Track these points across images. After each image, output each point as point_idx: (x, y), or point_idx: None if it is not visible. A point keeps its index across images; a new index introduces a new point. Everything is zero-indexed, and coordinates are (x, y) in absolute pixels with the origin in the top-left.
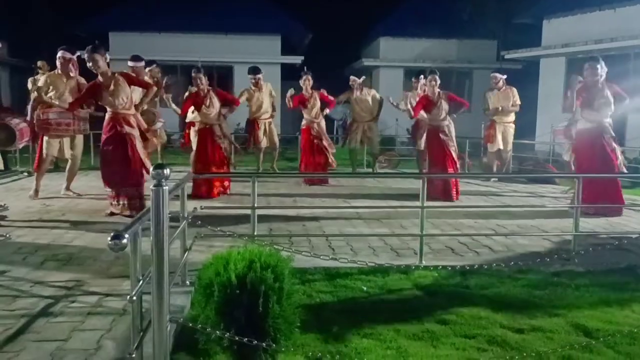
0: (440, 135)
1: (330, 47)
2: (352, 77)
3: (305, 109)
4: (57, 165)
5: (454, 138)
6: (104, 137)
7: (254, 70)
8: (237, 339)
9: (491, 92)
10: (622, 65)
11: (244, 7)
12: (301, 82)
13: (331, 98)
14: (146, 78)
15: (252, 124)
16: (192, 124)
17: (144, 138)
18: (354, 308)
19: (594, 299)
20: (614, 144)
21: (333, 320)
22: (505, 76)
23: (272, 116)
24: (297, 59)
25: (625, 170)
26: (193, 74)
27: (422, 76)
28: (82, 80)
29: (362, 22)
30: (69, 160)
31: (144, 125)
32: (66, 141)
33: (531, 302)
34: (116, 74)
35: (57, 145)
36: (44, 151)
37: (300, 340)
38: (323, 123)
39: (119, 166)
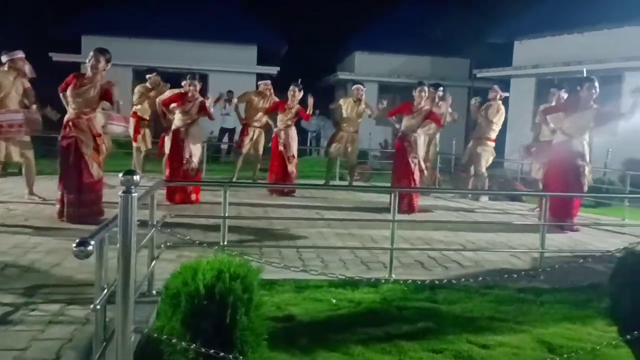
0: (405, 143)
1: (306, 59)
2: (357, 86)
3: (281, 113)
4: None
5: (418, 150)
6: (59, 139)
7: (267, 79)
8: (203, 350)
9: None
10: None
11: (221, 16)
12: (289, 92)
13: (308, 113)
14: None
15: (243, 128)
16: (166, 131)
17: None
18: (323, 321)
19: (558, 315)
20: (584, 162)
21: (301, 332)
22: (505, 94)
23: (263, 126)
24: (273, 70)
25: (585, 189)
26: (188, 80)
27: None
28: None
29: (338, 35)
30: (23, 164)
31: (97, 131)
32: (14, 144)
33: (497, 317)
34: (99, 84)
35: (2, 149)
36: None
37: (267, 353)
38: (293, 132)
39: (66, 170)
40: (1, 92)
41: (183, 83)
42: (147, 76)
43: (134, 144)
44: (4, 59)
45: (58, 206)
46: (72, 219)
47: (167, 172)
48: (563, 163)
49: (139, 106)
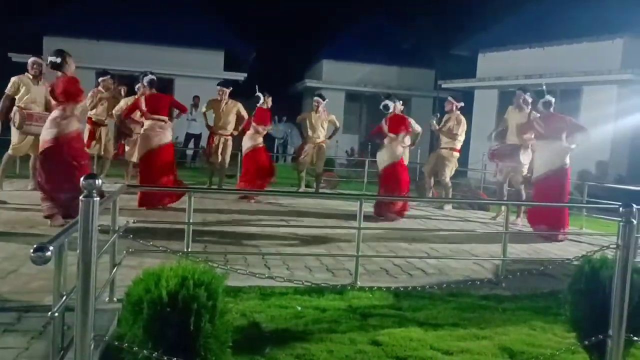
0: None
1: (274, 66)
2: (316, 98)
3: (266, 126)
4: None
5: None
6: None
7: (223, 84)
8: (166, 358)
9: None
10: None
11: (188, 20)
12: (261, 101)
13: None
14: (99, 88)
15: (209, 137)
16: (126, 135)
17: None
18: (288, 328)
19: (519, 322)
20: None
21: (266, 340)
22: (460, 104)
23: (231, 134)
24: (240, 76)
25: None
26: (147, 79)
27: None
28: None
29: (306, 43)
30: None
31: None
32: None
33: (460, 324)
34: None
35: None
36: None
37: None
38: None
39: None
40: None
41: (137, 87)
42: (100, 79)
43: (88, 150)
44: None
45: (48, 205)
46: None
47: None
48: (547, 176)
49: (93, 111)
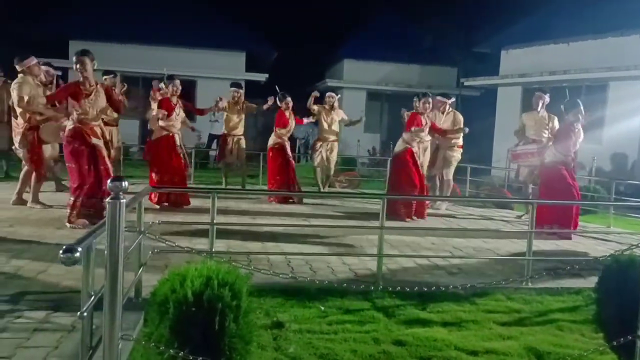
0: (410, 155)
1: (295, 66)
2: (329, 94)
3: (284, 128)
4: (8, 174)
5: (420, 158)
6: (70, 147)
7: (237, 85)
8: (191, 358)
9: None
10: (573, 97)
11: (209, 22)
12: (282, 104)
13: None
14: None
15: (223, 138)
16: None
17: (108, 150)
18: (312, 328)
19: (546, 322)
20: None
21: (290, 340)
22: (451, 100)
23: (241, 134)
24: (262, 77)
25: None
26: (166, 81)
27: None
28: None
29: (327, 43)
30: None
31: (107, 137)
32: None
33: (485, 324)
34: (98, 85)
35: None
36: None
37: (256, 359)
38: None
39: (93, 179)
40: (30, 99)
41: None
42: (104, 77)
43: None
44: (18, 67)
45: (73, 212)
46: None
47: (154, 177)
48: (555, 174)
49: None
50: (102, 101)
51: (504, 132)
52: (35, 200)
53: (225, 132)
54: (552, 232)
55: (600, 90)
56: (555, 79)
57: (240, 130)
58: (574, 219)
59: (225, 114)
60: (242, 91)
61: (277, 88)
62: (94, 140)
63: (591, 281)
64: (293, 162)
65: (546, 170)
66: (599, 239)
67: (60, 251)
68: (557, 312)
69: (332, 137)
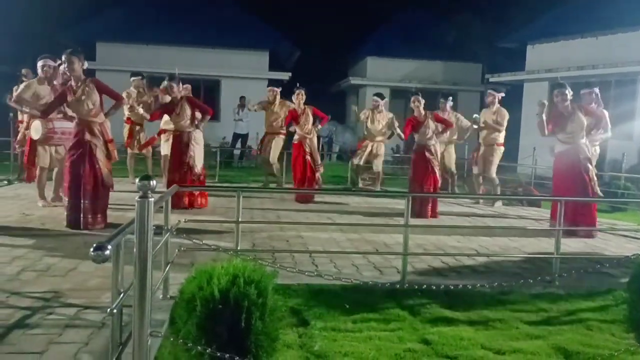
0: (426, 153)
1: (318, 64)
2: (375, 97)
3: (297, 124)
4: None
5: (438, 157)
6: (69, 144)
7: (274, 84)
8: (218, 354)
9: (485, 108)
10: (602, 92)
11: (233, 22)
12: (294, 97)
13: (323, 114)
14: (132, 89)
15: (263, 136)
16: (162, 131)
17: (107, 149)
18: (337, 326)
19: (575, 321)
20: (589, 166)
21: (315, 337)
22: (501, 94)
23: (277, 133)
24: (285, 75)
25: (599, 192)
26: (166, 82)
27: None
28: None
29: (349, 41)
30: (56, 168)
31: (109, 136)
32: (59, 150)
33: (512, 323)
34: (87, 80)
35: (48, 155)
36: (39, 161)
37: (282, 357)
38: (315, 139)
39: (78, 176)
40: (42, 100)
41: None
42: (132, 79)
43: (128, 150)
44: (40, 64)
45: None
46: (85, 226)
47: (167, 177)
48: (568, 171)
49: (130, 112)
50: (94, 97)
51: (530, 128)
52: (42, 196)
53: (265, 130)
54: (576, 230)
55: (629, 85)
56: (584, 74)
57: (277, 128)
58: (593, 215)
59: (264, 112)
60: (278, 90)
61: (297, 84)
62: (87, 137)
63: (621, 280)
64: (310, 160)
65: (555, 162)
66: (629, 237)
67: (91, 249)
68: (586, 312)
69: (378, 137)
